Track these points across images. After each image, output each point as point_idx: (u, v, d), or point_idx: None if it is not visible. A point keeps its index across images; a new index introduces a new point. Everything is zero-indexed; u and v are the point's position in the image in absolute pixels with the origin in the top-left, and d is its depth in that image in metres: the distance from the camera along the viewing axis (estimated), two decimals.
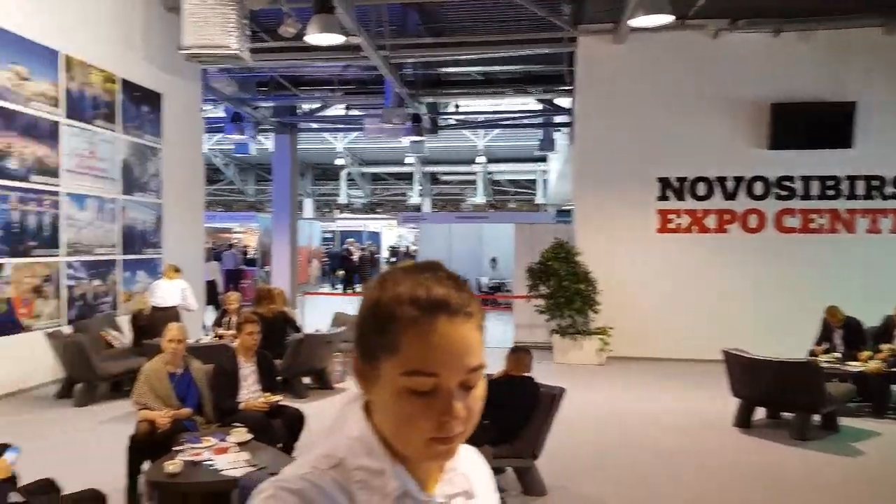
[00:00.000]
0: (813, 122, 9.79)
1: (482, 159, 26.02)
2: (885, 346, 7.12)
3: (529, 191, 29.48)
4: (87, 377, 7.24)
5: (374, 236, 29.77)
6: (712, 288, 10.14)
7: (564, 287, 9.56)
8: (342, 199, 30.25)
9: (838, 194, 10.04)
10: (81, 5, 8.69)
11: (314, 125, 19.29)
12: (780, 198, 10.14)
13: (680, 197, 10.32)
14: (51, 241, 8.28)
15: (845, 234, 10.01)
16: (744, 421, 6.52)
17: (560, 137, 18.01)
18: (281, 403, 5.15)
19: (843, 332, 7.57)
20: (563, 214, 19.29)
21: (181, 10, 8.16)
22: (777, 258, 10.05)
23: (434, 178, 29.99)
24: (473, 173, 28.01)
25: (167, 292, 8.70)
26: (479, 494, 0.97)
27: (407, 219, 24.95)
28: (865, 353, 7.04)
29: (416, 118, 14.62)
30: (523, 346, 5.23)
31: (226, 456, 4.05)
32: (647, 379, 8.87)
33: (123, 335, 8.44)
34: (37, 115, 8.00)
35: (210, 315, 11.71)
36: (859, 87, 9.78)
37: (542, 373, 5.16)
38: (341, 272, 23.62)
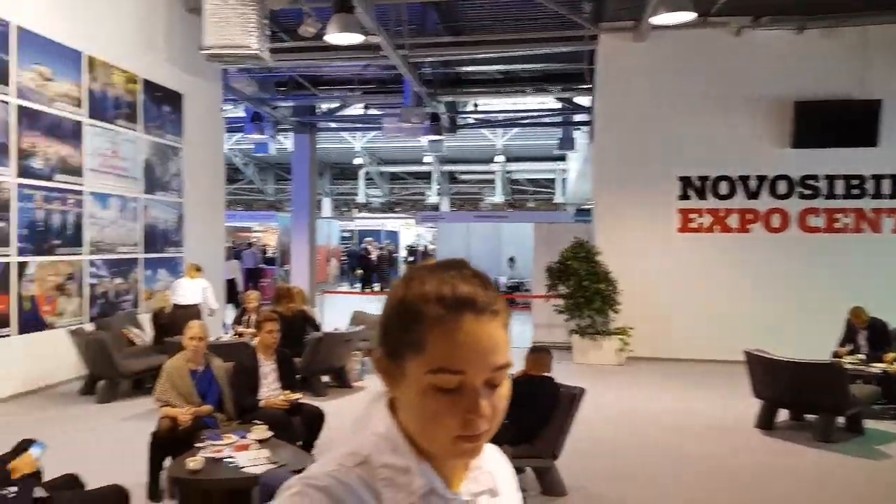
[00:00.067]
0: (837, 120, 9.65)
1: (501, 158, 25.98)
2: None
3: (548, 190, 29.38)
4: (109, 374, 7.32)
5: (393, 235, 29.81)
6: (734, 288, 10.03)
7: (584, 287, 9.51)
8: (360, 199, 30.35)
9: (863, 193, 9.89)
10: (104, 7, 8.79)
11: (333, 125, 19.37)
12: (803, 197, 10.00)
13: (702, 196, 10.22)
14: (74, 240, 8.38)
15: (870, 234, 9.86)
16: (766, 422, 6.44)
17: (580, 136, 17.93)
18: (300, 401, 5.17)
19: (868, 333, 7.45)
20: (583, 214, 19.17)
21: (202, 10, 8.23)
22: (800, 258, 9.91)
23: (452, 178, 29.99)
24: (492, 172, 27.97)
25: (189, 291, 8.78)
26: (504, 493, 0.97)
27: (425, 218, 24.97)
28: (891, 355, 6.91)
29: (435, 117, 14.63)
30: (543, 346, 5.21)
31: (246, 453, 4.07)
32: (668, 380, 8.80)
33: (145, 333, 8.52)
34: (60, 115, 8.10)
35: (230, 313, 11.79)
36: (885, 85, 9.62)
37: (561, 373, 5.13)
38: (359, 271, 23.69)
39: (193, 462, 3.86)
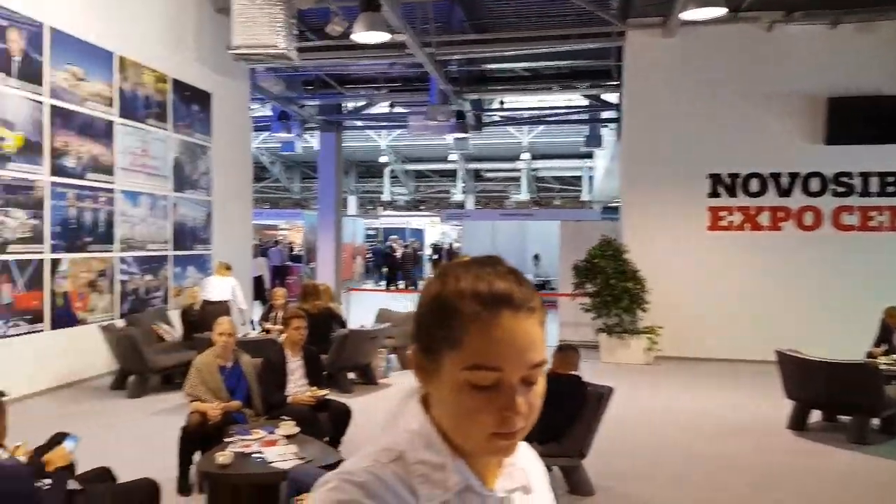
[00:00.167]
0: (872, 116, 9.45)
1: (526, 156, 25.87)
2: None
3: (575, 188, 29.19)
4: (139, 369, 7.43)
5: (418, 233, 29.85)
6: (765, 287, 9.87)
7: (612, 285, 9.42)
8: (386, 197, 30.44)
9: None
10: (135, 8, 8.92)
11: (359, 123, 19.44)
12: (837, 194, 9.81)
13: (732, 194, 10.07)
14: (105, 237, 8.51)
15: None
16: (798, 423, 6.33)
17: (607, 133, 17.78)
18: (327, 398, 5.19)
19: None
20: (609, 211, 19.06)
21: (231, 10, 8.31)
22: (834, 257, 9.72)
23: (477, 175, 29.94)
24: (518, 170, 27.87)
25: (218, 288, 8.89)
26: (536, 490, 0.97)
27: (450, 216, 24.96)
28: None
29: (461, 115, 14.61)
30: (570, 344, 5.17)
31: (274, 448, 4.10)
32: (697, 379, 8.69)
33: (174, 329, 8.63)
34: (92, 114, 8.23)
35: (257, 310, 11.90)
36: None
37: (588, 372, 5.10)
38: (384, 269, 23.76)
39: (223, 457, 3.89)
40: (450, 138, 17.06)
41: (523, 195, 28.51)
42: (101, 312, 8.40)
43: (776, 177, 9.96)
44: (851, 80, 9.60)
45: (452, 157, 25.74)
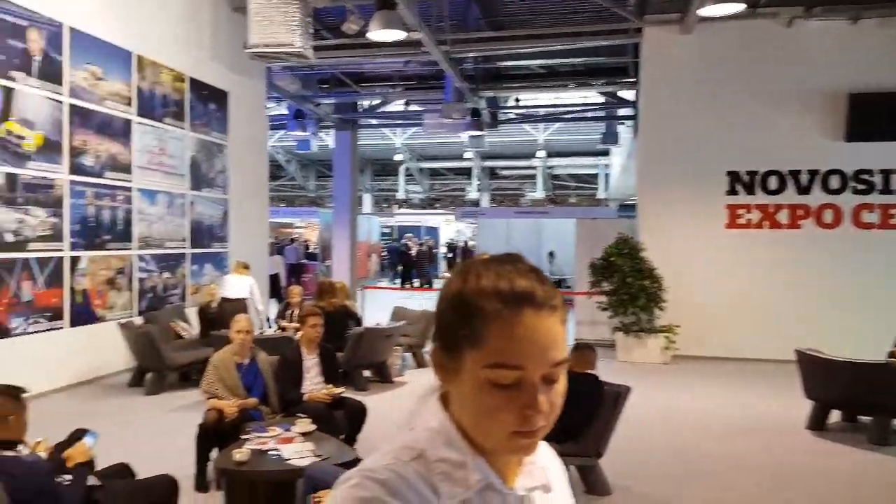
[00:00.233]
0: (894, 113, 9.30)
1: (542, 153, 25.79)
2: None
3: (591, 185, 29.07)
4: (157, 367, 7.48)
5: (433, 231, 29.87)
6: (784, 285, 9.76)
7: (628, 283, 9.37)
8: (401, 195, 30.49)
9: None
10: (153, 7, 8.98)
11: (374, 121, 19.47)
12: (857, 192, 9.67)
13: (750, 191, 9.97)
14: (124, 235, 8.59)
15: None
16: (818, 423, 6.26)
17: (623, 130, 17.68)
18: (343, 395, 5.20)
19: None
20: (626, 209, 18.96)
21: (247, 9, 8.34)
22: (854, 255, 9.59)
23: (493, 173, 29.90)
24: (533, 168, 27.80)
25: (236, 286, 8.93)
26: (556, 489, 0.97)
27: (465, 214, 24.95)
28: None
29: (476, 112, 14.58)
30: (587, 343, 5.14)
31: (291, 445, 4.12)
32: (715, 379, 8.62)
33: (191, 326, 8.69)
34: (111, 113, 8.30)
35: (273, 308, 11.96)
36: None
37: (605, 371, 5.06)
38: (399, 267, 23.80)
39: (240, 454, 3.91)
40: (465, 136, 17.05)
41: (539, 193, 28.44)
42: (120, 310, 8.48)
43: (795, 174, 9.84)
44: (872, 75, 9.46)
45: (468, 154, 25.73)
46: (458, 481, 0.83)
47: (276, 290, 14.83)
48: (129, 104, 8.59)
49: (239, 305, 8.35)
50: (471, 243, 25.69)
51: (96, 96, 8.05)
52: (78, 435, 3.50)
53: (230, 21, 10.45)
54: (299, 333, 5.56)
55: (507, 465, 0.88)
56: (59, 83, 7.49)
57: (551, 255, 18.51)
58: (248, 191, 11.43)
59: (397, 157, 27.01)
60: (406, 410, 0.95)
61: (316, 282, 13.36)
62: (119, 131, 8.45)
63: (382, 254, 26.61)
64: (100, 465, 3.52)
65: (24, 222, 7.05)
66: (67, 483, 3.07)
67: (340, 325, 7.67)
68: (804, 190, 9.82)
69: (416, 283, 22.40)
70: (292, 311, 8.46)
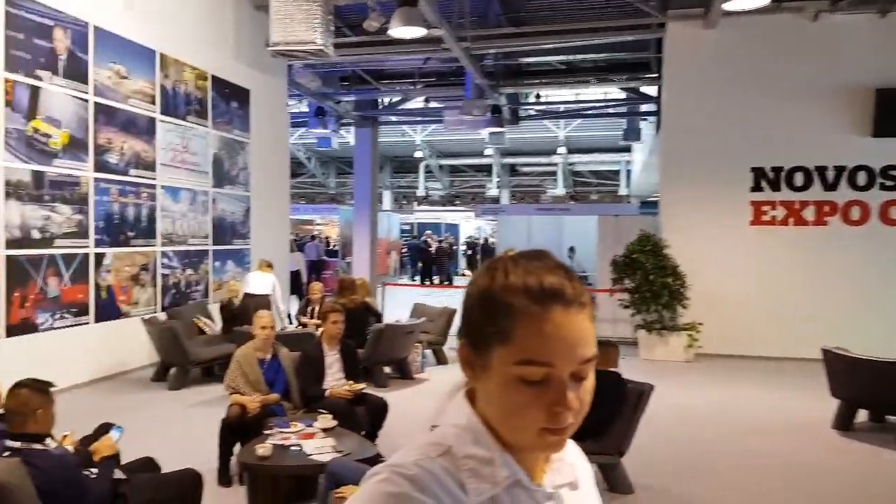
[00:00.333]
0: None
1: (563, 150, 25.66)
2: None
3: (612, 182, 28.87)
4: (180, 362, 7.56)
5: (452, 228, 29.86)
6: (810, 283, 9.62)
7: (651, 281, 9.29)
8: (420, 192, 30.50)
9: None
10: (176, 6, 9.06)
11: (394, 118, 19.49)
12: (885, 188, 9.50)
13: (775, 188, 9.84)
14: (147, 232, 8.68)
15: None
16: (844, 423, 6.16)
17: (646, 127, 17.53)
18: (364, 391, 5.22)
19: None
20: (648, 206, 18.81)
21: (269, 7, 8.39)
22: (881, 252, 9.42)
23: (512, 170, 29.81)
24: (554, 164, 27.67)
25: (259, 283, 8.99)
26: (583, 486, 0.97)
27: (485, 211, 24.90)
28: None
29: (497, 109, 14.54)
30: (609, 340, 5.11)
31: (312, 441, 4.14)
32: (739, 377, 8.52)
33: (214, 322, 8.77)
34: (135, 111, 8.39)
35: (294, 304, 12.03)
36: None
37: (627, 369, 5.02)
38: (419, 264, 23.84)
39: (262, 449, 3.94)
40: (485, 133, 16.99)
41: (559, 190, 28.30)
42: (144, 306, 8.57)
43: (822, 170, 9.69)
44: None
45: (488, 151, 25.66)
46: (486, 478, 0.82)
47: (296, 286, 14.91)
48: (152, 102, 8.68)
49: (262, 301, 8.41)
50: (491, 240, 25.65)
51: (121, 95, 8.14)
52: (104, 429, 3.54)
53: (252, 19, 10.51)
54: (320, 330, 5.58)
55: (534, 462, 0.88)
56: (85, 82, 7.59)
57: (571, 250, 18.39)
58: (269, 188, 11.50)
59: (417, 154, 27.02)
60: (432, 407, 0.94)
61: (336, 278, 13.41)
62: (143, 129, 8.54)
63: (402, 251, 26.66)
64: (125, 458, 3.56)
65: (50, 219, 7.16)
66: (94, 476, 3.11)
67: (361, 321, 7.69)
68: (831, 186, 9.67)
69: (436, 279, 22.41)
70: (313, 308, 8.51)
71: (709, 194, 10.03)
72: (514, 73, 14.46)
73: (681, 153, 10.20)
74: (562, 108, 18.76)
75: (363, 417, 5.03)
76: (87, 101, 7.61)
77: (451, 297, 11.56)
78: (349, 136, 19.91)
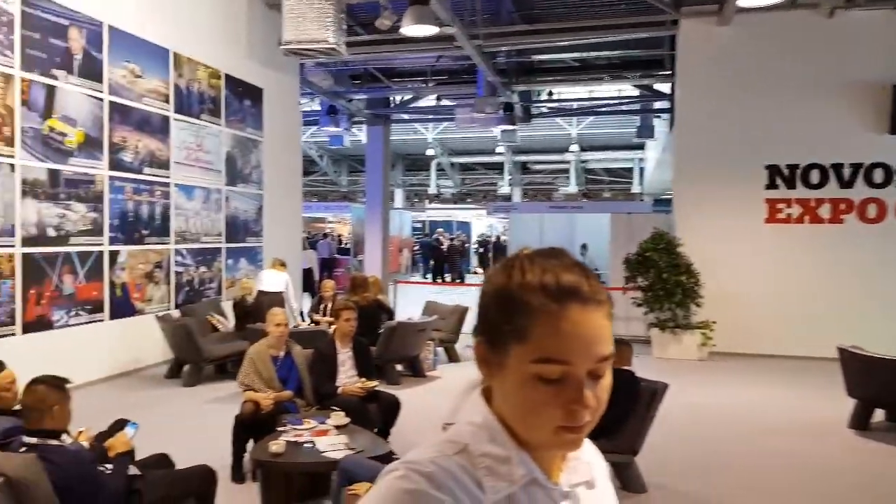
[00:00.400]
0: None
1: (575, 147, 25.58)
2: None
3: (625, 180, 28.75)
4: (193, 359, 7.60)
5: (464, 226, 29.84)
6: (825, 281, 9.53)
7: (664, 279, 9.24)
8: (432, 190, 30.50)
9: None
10: (190, 6, 9.10)
11: (406, 116, 19.49)
12: None
13: (791, 185, 9.75)
14: (161, 230, 8.74)
15: None
16: (861, 423, 6.10)
17: (659, 124, 17.43)
18: (377, 389, 5.22)
19: None
20: (661, 204, 18.67)
21: (281, 6, 8.41)
22: None
23: (524, 168, 29.74)
24: (566, 162, 27.59)
25: (272, 281, 9.02)
26: (599, 485, 0.96)
27: (497, 209, 24.87)
28: None
29: (509, 107, 14.51)
30: (622, 339, 5.09)
31: (325, 438, 4.15)
32: (753, 376, 8.46)
33: (227, 319, 8.81)
34: (149, 110, 8.44)
35: (306, 302, 12.07)
36: None
37: (640, 367, 4.99)
38: (431, 262, 23.85)
39: (275, 445, 3.96)
40: (497, 130, 16.96)
41: (572, 187, 28.22)
42: (158, 303, 8.63)
43: (837, 168, 9.60)
44: None
45: (499, 149, 25.62)
46: (503, 476, 0.82)
47: (309, 284, 14.96)
48: (166, 101, 8.73)
49: (276, 299, 8.44)
50: (503, 238, 25.62)
51: (135, 93, 8.19)
52: (119, 425, 3.57)
53: (265, 18, 10.55)
54: (333, 327, 5.59)
55: (551, 460, 0.88)
56: (100, 81, 7.64)
57: (584, 248, 18.32)
58: (282, 186, 11.54)
59: (429, 152, 27.04)
60: (444, 405, 0.94)
61: (348, 276, 13.44)
62: (157, 128, 8.59)
63: (414, 248, 26.68)
64: (139, 454, 3.59)
65: (65, 217, 7.22)
66: (109, 472, 3.13)
67: (373, 319, 7.70)
68: (847, 184, 9.58)
69: (448, 277, 22.41)
70: (325, 305, 8.53)
71: (723, 192, 9.96)
72: (527, 70, 14.43)
73: (694, 150, 10.13)
74: (575, 105, 18.68)
75: (376, 415, 5.04)
76: (101, 100, 7.66)
77: (462, 295, 11.54)
78: (361, 134, 19.94)
